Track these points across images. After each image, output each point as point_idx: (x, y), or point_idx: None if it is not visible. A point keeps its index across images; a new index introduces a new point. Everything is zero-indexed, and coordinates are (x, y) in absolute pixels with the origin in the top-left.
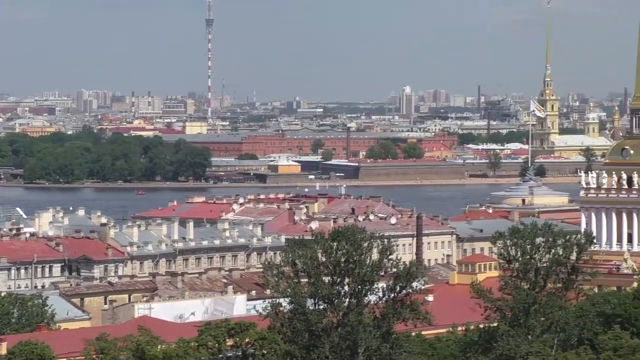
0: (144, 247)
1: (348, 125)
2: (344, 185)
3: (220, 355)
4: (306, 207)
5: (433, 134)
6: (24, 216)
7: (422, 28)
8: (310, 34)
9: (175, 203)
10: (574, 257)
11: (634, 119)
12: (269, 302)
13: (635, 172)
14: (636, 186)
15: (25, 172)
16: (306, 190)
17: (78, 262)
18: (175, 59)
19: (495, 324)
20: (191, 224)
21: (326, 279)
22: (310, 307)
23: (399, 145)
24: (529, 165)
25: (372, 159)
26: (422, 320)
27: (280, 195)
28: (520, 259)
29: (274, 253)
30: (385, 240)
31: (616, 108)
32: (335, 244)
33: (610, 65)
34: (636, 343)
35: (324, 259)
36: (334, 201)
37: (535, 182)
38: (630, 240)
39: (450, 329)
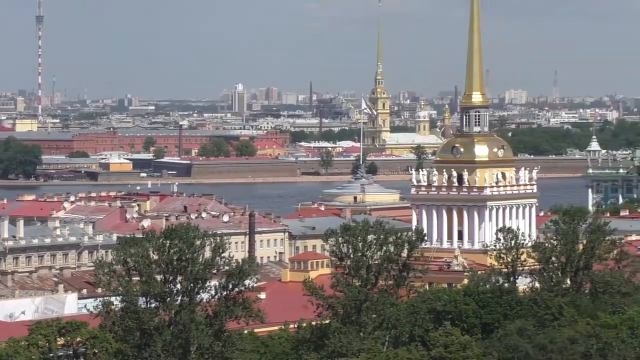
0: None
1: (180, 123)
2: (177, 183)
3: (51, 355)
4: (138, 205)
5: (265, 132)
6: None
7: (254, 25)
8: (142, 31)
9: (5, 201)
10: (405, 254)
11: (464, 117)
12: (100, 301)
13: (465, 170)
14: (466, 184)
15: None
16: (138, 188)
17: None
18: (5, 56)
19: (327, 321)
20: (21, 222)
21: (158, 277)
22: (142, 306)
23: (231, 143)
24: (361, 163)
25: (204, 157)
26: (254, 318)
27: (112, 193)
28: (352, 256)
29: (106, 251)
30: (218, 238)
31: (447, 106)
32: (167, 242)
33: (441, 64)
34: (466, 339)
35: (156, 257)
36: (166, 199)
37: (367, 180)
38: (460, 237)
39: (283, 327)
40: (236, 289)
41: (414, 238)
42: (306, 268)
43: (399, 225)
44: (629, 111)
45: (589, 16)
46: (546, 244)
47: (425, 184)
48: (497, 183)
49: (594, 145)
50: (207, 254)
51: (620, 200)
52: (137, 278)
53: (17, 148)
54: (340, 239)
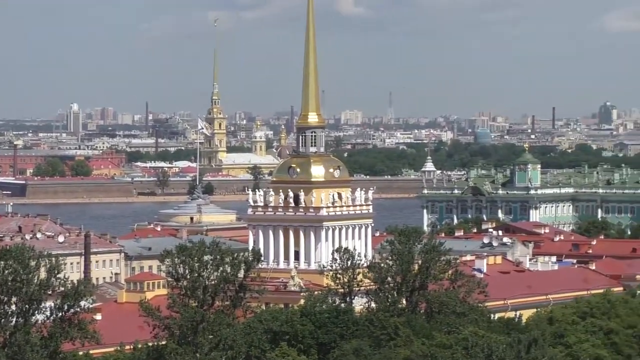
0: None
1: (15, 143)
2: (11, 203)
3: None
4: None
5: (101, 151)
6: None
7: (90, 45)
8: None
9: None
10: (241, 275)
11: (300, 137)
12: None
13: (301, 190)
14: (303, 204)
15: None
16: None
17: None
18: None
19: (163, 342)
20: None
21: None
22: None
23: (66, 163)
24: (197, 183)
25: (39, 177)
26: (89, 339)
27: None
28: (188, 277)
29: None
30: (53, 258)
31: (283, 127)
32: (1, 262)
33: (277, 85)
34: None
35: None
36: (0, 219)
37: (204, 200)
38: (297, 257)
39: (119, 348)
40: (72, 310)
41: (250, 258)
42: (142, 289)
43: (236, 245)
44: (463, 132)
45: (421, 35)
46: (382, 264)
47: (262, 204)
48: (333, 203)
49: (429, 166)
50: (43, 274)
51: (455, 221)
52: None
53: None
54: (176, 259)
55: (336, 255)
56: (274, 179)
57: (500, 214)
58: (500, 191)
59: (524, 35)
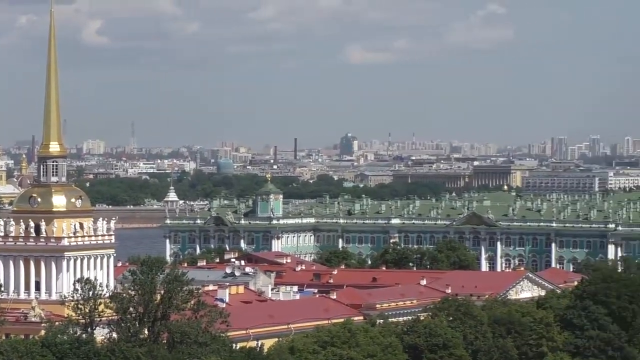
0: None
1: None
2: None
3: None
4: None
5: None
6: None
7: None
8: None
9: None
10: None
11: (41, 166)
12: None
13: (42, 220)
14: (44, 234)
15: None
16: None
17: None
18: None
19: None
20: None
21: None
22: None
23: None
24: None
25: None
26: None
27: None
28: None
29: None
30: None
31: (24, 156)
32: None
33: (18, 113)
34: None
35: None
36: None
37: None
38: (38, 288)
39: None
40: None
41: None
42: None
43: None
44: (206, 162)
45: (166, 65)
46: (124, 294)
47: (2, 234)
48: (74, 233)
49: (172, 196)
50: None
51: (198, 251)
52: None
53: None
54: None
55: (77, 286)
56: (15, 209)
57: (242, 244)
58: (242, 221)
59: (264, 68)
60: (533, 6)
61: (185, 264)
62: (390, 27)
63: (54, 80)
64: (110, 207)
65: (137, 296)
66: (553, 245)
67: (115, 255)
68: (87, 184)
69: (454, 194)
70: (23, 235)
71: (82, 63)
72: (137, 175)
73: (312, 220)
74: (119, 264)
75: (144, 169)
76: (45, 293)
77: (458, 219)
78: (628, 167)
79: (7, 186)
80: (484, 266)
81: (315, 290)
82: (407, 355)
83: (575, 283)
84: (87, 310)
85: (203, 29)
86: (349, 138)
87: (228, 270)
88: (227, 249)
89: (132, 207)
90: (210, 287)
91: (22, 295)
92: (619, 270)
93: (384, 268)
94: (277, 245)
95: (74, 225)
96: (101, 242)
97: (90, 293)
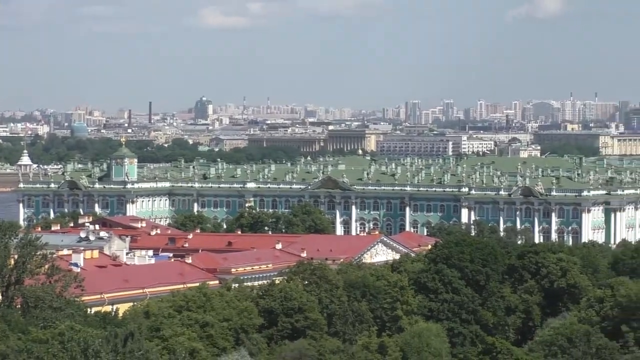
0: None
1: None
2: None
3: None
4: None
5: None
6: None
7: None
8: None
9: None
10: None
11: None
12: None
13: None
14: None
15: None
16: None
17: None
18: None
19: None
20: None
21: None
22: None
23: None
24: None
25: None
26: None
27: None
28: None
29: None
30: None
31: None
32: None
33: None
34: None
35: None
36: None
37: None
38: None
39: None
40: None
41: None
42: None
43: None
44: (60, 126)
45: (10, 32)
46: None
47: None
48: None
49: (25, 160)
50: None
51: (52, 215)
52: None
53: None
54: None
55: None
56: None
57: (97, 208)
58: (97, 185)
59: (118, 31)
60: None
61: (39, 229)
62: None
63: None
64: None
65: None
66: (407, 209)
67: None
68: None
69: (309, 158)
70: None
71: None
72: None
73: (167, 184)
74: None
75: None
76: None
77: (313, 183)
78: (481, 131)
79: None
80: (339, 230)
81: (171, 255)
82: (262, 319)
83: (429, 247)
84: None
85: None
86: (204, 102)
87: (82, 235)
88: (82, 213)
89: None
90: (65, 252)
91: None
92: (472, 234)
93: (239, 232)
94: (131, 210)
95: None
96: None
97: None
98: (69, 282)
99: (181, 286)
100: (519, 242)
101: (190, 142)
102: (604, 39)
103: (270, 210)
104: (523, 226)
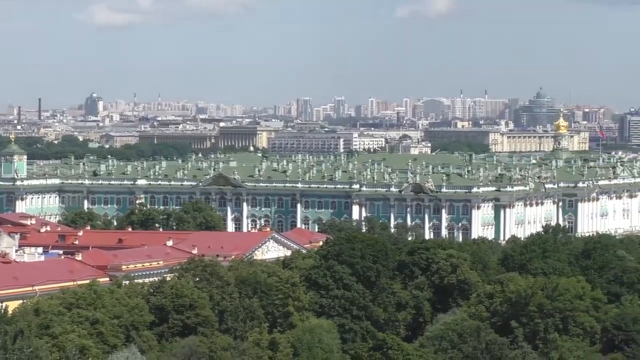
0: None
1: None
2: None
3: None
4: None
5: None
6: None
7: None
8: None
9: None
10: None
11: None
12: None
13: None
14: None
15: None
16: None
17: None
18: None
19: None
20: None
21: None
22: None
23: None
24: None
25: None
26: None
27: None
28: None
29: None
30: None
31: None
32: None
33: None
34: None
35: None
36: None
37: None
38: None
39: None
40: None
41: None
42: None
43: None
44: None
45: None
46: None
47: None
48: None
49: None
50: None
51: None
52: None
53: None
54: None
55: None
56: None
57: None
58: None
59: (6, 25)
60: None
61: None
62: None
63: None
64: None
65: None
66: (299, 205)
67: None
68: None
69: (200, 155)
70: None
71: None
72: None
73: (57, 181)
74: None
75: None
76: None
77: (204, 180)
78: (372, 128)
79: None
80: (230, 227)
81: (61, 252)
82: (153, 316)
83: (321, 243)
84: None
85: None
86: (94, 98)
87: None
88: None
89: None
90: None
91: None
92: (363, 230)
93: (130, 229)
94: (21, 207)
95: None
96: None
97: None
98: None
99: (71, 283)
100: (410, 239)
101: (81, 138)
102: (494, 38)
103: (161, 207)
104: (414, 222)
